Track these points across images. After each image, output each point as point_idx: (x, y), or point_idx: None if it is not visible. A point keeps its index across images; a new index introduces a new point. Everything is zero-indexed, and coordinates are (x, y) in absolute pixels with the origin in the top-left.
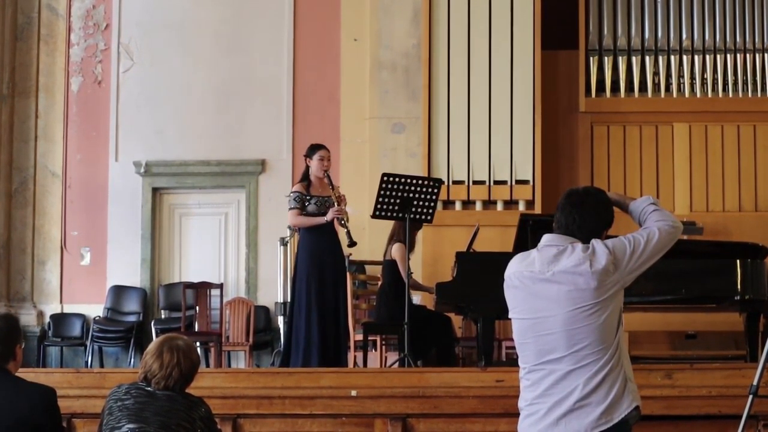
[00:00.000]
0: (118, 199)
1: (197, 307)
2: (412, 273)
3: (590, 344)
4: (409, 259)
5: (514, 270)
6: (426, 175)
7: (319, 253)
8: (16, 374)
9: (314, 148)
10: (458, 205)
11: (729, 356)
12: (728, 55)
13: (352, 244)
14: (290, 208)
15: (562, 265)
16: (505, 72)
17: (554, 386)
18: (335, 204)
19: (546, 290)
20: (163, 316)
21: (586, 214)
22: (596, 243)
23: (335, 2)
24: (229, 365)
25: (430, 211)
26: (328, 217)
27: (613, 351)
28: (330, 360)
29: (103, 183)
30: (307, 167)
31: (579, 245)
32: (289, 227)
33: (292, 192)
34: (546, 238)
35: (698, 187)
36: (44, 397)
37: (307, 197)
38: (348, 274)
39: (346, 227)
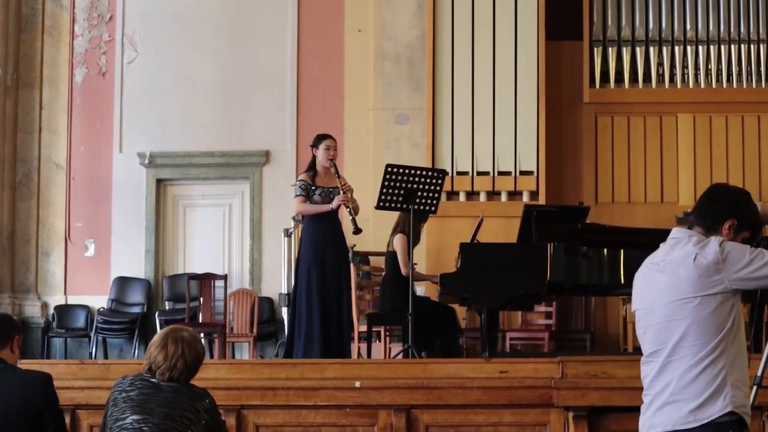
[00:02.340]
0: (122, 191)
1: (201, 299)
2: (416, 264)
3: (687, 337)
4: (412, 251)
5: (645, 262)
6: (430, 166)
7: (322, 243)
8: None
9: (320, 138)
10: (462, 196)
11: None
12: (732, 46)
13: (358, 231)
14: (295, 196)
15: (672, 256)
16: (509, 63)
17: (656, 378)
18: (341, 193)
19: (656, 280)
20: (167, 308)
21: (704, 206)
22: (713, 239)
23: None
24: (233, 356)
25: (434, 202)
26: (334, 204)
27: (714, 347)
28: (332, 350)
29: (107, 174)
30: (314, 157)
31: (695, 238)
32: (294, 217)
33: (297, 180)
34: (672, 230)
35: (702, 178)
36: (40, 382)
37: (312, 187)
38: (352, 265)
39: (352, 215)
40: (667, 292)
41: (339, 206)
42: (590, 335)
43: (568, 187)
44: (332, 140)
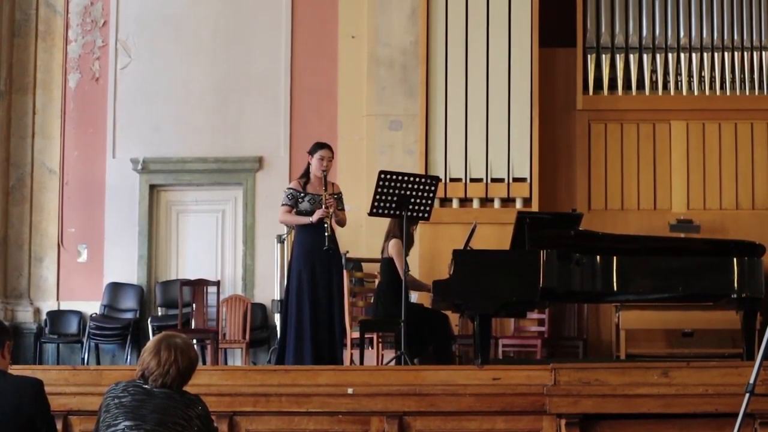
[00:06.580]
0: (115, 196)
1: (194, 305)
2: (409, 270)
3: None
4: (407, 255)
5: None
6: (423, 172)
7: (313, 249)
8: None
9: (317, 147)
10: (455, 203)
11: (726, 354)
12: (726, 53)
13: (328, 249)
14: (281, 204)
15: None
16: (503, 69)
17: None
18: (323, 207)
19: None
20: (159, 314)
21: None
22: None
23: None
24: (226, 363)
25: (428, 208)
26: (314, 218)
27: None
28: (323, 356)
29: (101, 180)
30: (309, 163)
31: None
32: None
33: (287, 188)
34: None
35: (695, 185)
36: (32, 388)
37: (302, 194)
38: (345, 271)
39: (328, 232)
40: None
41: (319, 220)
42: (583, 342)
43: (561, 194)
44: (328, 150)
